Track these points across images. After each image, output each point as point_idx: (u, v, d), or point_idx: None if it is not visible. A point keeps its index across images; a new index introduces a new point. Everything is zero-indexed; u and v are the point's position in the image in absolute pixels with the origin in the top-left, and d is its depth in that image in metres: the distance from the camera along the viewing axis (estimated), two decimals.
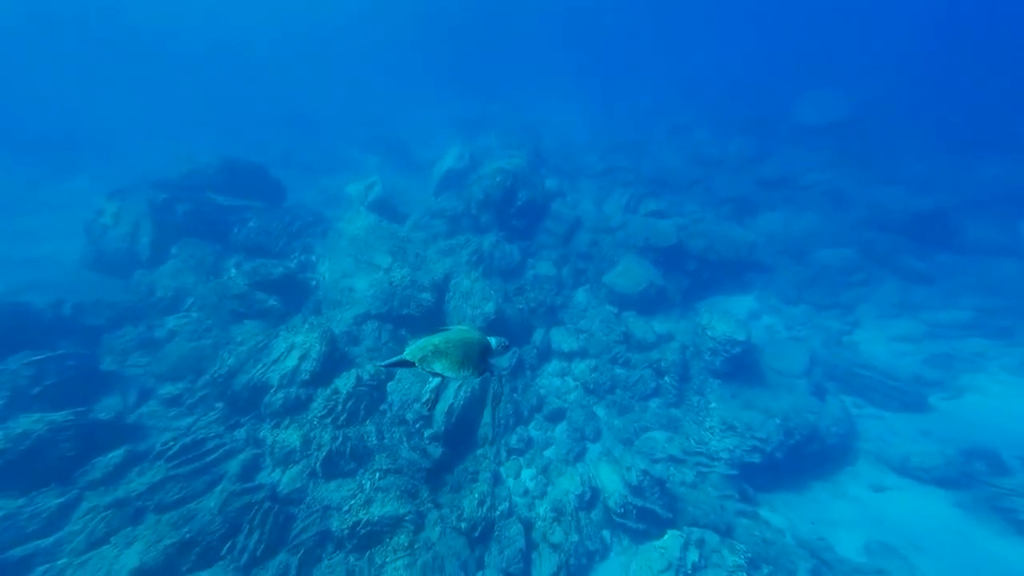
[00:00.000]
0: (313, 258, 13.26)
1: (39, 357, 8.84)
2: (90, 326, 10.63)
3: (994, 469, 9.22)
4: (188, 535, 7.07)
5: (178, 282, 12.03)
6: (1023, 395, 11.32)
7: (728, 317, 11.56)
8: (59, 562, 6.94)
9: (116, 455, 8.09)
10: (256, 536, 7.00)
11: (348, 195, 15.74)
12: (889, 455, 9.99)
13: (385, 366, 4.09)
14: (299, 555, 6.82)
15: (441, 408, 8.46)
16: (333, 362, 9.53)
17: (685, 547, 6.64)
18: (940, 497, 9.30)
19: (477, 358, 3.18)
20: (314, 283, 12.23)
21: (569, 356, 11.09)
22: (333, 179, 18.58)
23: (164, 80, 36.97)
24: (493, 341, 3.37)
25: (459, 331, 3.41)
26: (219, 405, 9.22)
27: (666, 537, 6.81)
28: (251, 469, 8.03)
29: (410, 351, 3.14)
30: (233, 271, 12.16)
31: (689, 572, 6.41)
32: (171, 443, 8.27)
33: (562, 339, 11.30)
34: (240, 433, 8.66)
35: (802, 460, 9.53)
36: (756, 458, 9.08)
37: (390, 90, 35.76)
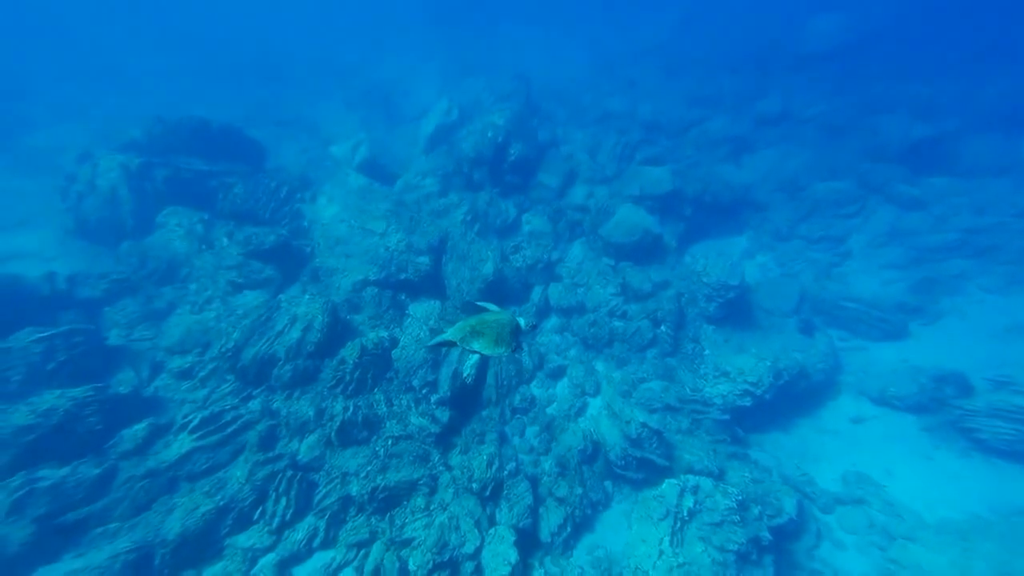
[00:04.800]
0: (304, 224, 12.96)
1: (46, 334, 8.91)
2: (87, 299, 10.58)
3: (961, 392, 9.61)
4: (222, 502, 7.64)
5: (169, 252, 11.86)
6: (998, 314, 11.52)
7: (722, 261, 11.61)
8: (111, 526, 7.53)
9: (141, 428, 8.47)
10: (283, 502, 7.57)
11: (333, 156, 14.98)
12: (869, 386, 10.48)
13: (430, 346, 5.14)
14: (325, 518, 7.43)
15: (446, 373, 8.76)
16: (336, 332, 9.70)
17: (681, 494, 7.18)
18: (911, 423, 9.84)
19: (509, 337, 3.65)
20: (308, 250, 12.08)
21: (568, 312, 11.28)
22: (314, 138, 17.48)
23: (117, 26, 33.48)
24: (522, 321, 3.84)
25: (493, 313, 3.93)
26: (230, 378, 9.49)
27: (664, 486, 7.34)
28: (269, 439, 8.46)
29: (452, 332, 3.64)
30: (225, 240, 11.94)
31: (686, 518, 6.98)
32: (191, 416, 8.65)
33: (560, 295, 11.43)
34: (254, 405, 9.00)
35: (789, 398, 9.96)
36: (747, 401, 9.48)
37: (365, 32, 32.44)
